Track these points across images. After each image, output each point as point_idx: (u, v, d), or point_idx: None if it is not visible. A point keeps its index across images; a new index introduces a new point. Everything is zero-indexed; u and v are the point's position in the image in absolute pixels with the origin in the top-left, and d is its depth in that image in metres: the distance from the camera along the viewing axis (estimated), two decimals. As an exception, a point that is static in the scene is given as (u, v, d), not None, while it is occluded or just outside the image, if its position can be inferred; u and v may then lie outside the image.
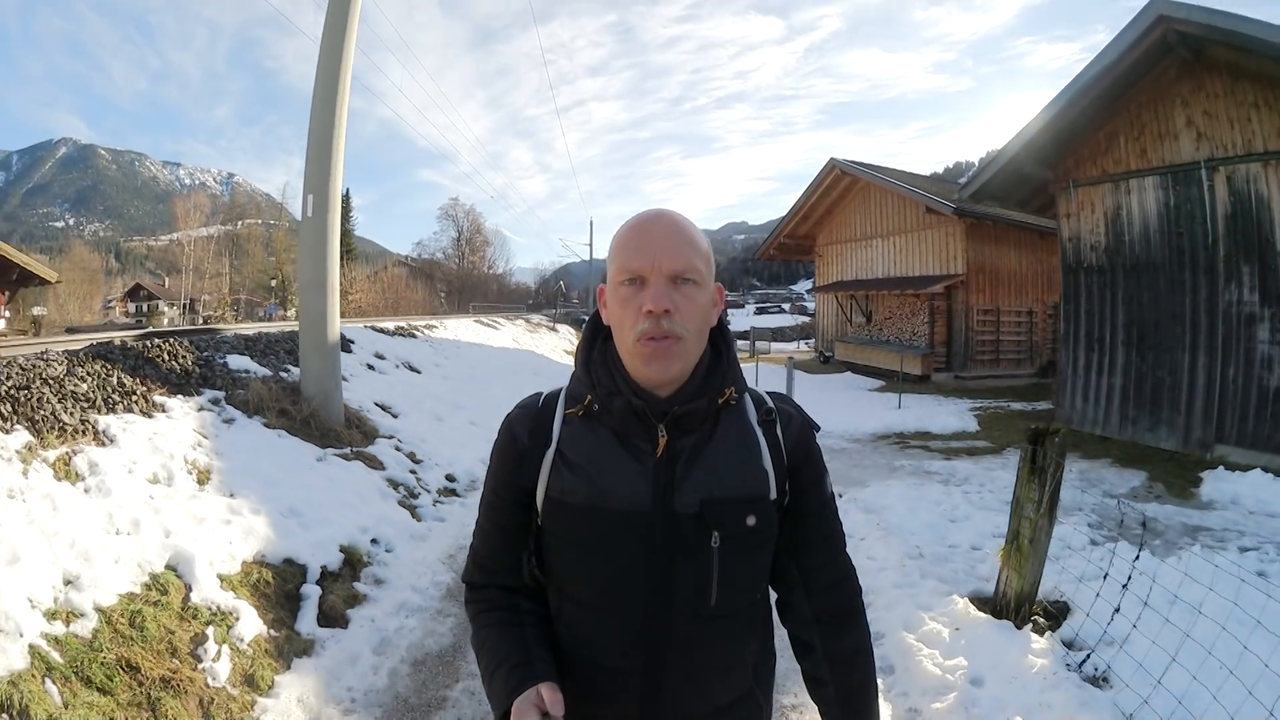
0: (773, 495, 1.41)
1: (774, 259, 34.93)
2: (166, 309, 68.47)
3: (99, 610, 3.70)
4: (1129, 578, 4.08)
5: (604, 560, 1.36)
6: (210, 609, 4.22)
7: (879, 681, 1.74)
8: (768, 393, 1.55)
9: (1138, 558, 4.17)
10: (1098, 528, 7.28)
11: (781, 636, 1.59)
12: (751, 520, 1.37)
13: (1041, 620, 4.53)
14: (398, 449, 8.44)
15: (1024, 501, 4.46)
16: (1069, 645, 4.26)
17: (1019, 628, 4.37)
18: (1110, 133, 12.86)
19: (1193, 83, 11.44)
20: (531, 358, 21.79)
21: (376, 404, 9.70)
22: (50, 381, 5.62)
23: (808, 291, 53.73)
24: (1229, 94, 11.02)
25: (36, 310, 38.13)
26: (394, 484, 7.41)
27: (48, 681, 3.15)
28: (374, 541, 6.02)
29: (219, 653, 3.95)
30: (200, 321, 50.91)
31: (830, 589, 1.52)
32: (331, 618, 4.89)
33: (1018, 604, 4.57)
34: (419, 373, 12.94)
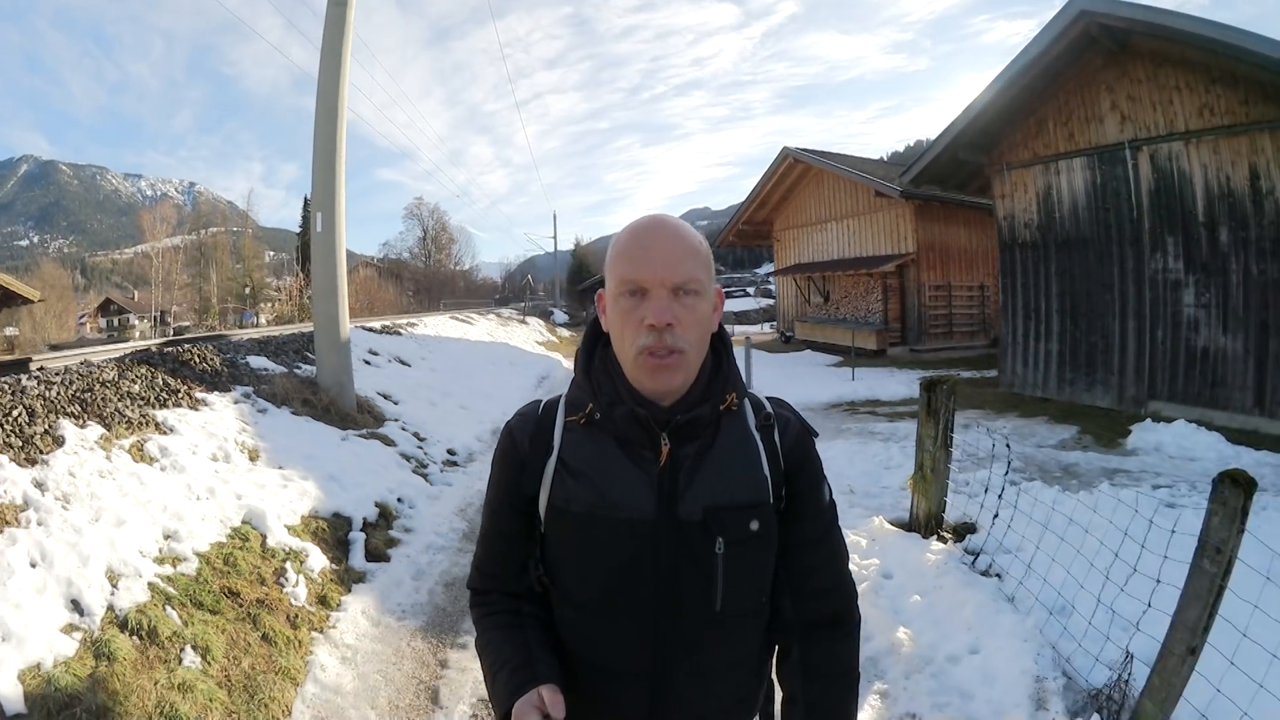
0: (772, 499, 1.43)
1: (733, 245, 35.80)
2: (137, 322, 68.43)
3: (197, 555, 4.69)
4: (1000, 490, 5.08)
5: (608, 568, 1.37)
6: (284, 550, 5.29)
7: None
8: (767, 398, 1.56)
9: (1007, 473, 5.20)
10: (1020, 471, 8.06)
11: None
12: (755, 525, 1.39)
13: (948, 535, 5.53)
14: (404, 430, 9.51)
15: (924, 438, 5.49)
16: (970, 553, 5.23)
17: (925, 538, 5.43)
18: (1040, 118, 13.78)
19: (1117, 69, 12.30)
20: (506, 349, 22.69)
21: (379, 394, 10.72)
22: (107, 384, 6.47)
23: (769, 275, 54.55)
24: (1152, 79, 11.85)
25: (9, 330, 37.84)
26: (406, 457, 8.53)
27: (168, 608, 4.10)
28: (399, 500, 7.20)
29: (297, 580, 5.05)
30: (171, 333, 50.90)
31: (818, 596, 1.52)
32: (376, 555, 6.08)
33: (926, 521, 5.59)
34: (409, 366, 13.87)
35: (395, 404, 10.61)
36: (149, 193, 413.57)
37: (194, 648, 3.90)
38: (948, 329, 23.44)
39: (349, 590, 5.43)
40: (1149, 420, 10.71)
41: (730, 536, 1.36)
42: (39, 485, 4.54)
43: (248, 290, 63.86)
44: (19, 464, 4.63)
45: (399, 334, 16.81)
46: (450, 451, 9.50)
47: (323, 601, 5.11)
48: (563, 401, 1.49)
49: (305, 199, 71.23)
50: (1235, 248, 10.95)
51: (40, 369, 7.10)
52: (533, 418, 1.49)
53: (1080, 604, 4.14)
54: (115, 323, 72.37)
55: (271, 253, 71.93)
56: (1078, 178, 13.24)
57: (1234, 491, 2.81)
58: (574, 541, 1.39)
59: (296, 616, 4.75)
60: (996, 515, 5.21)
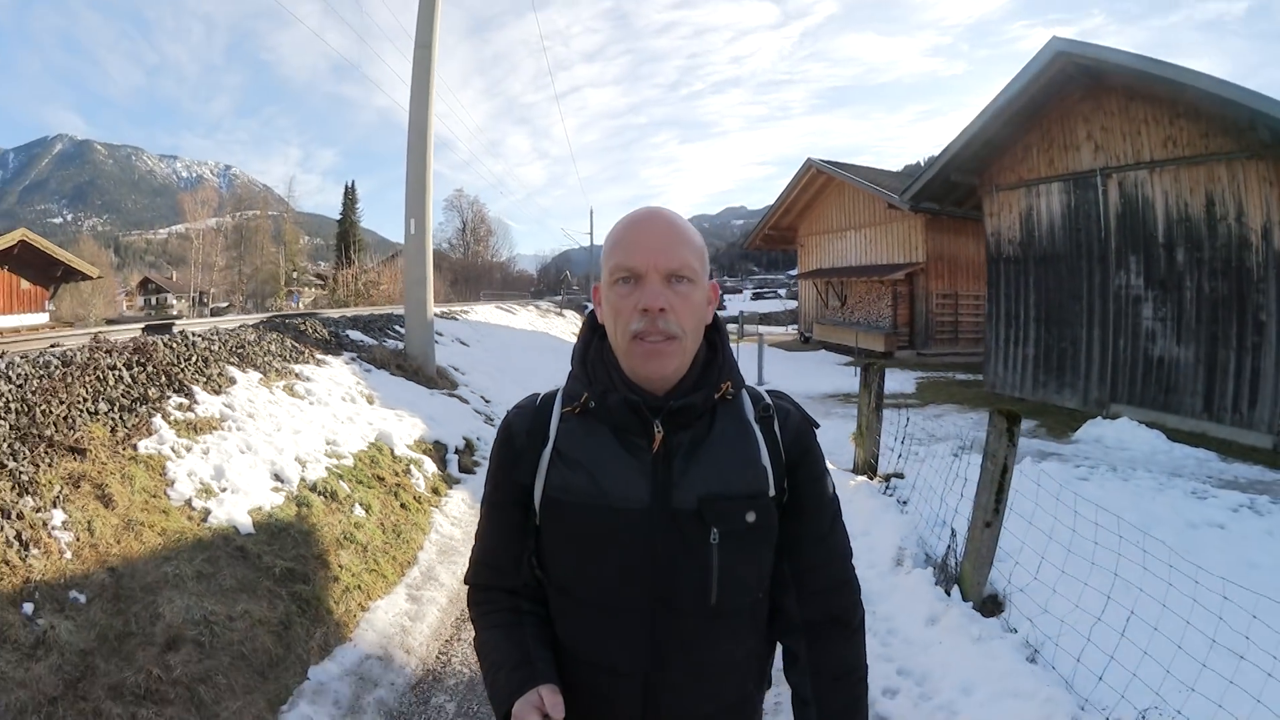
0: (771, 492, 1.42)
1: (760, 249, 37.71)
2: (175, 301, 69.21)
3: (352, 455, 6.86)
4: (899, 442, 6.94)
5: (603, 558, 1.37)
6: (406, 458, 7.52)
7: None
8: (766, 391, 1.55)
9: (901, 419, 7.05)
10: (967, 450, 9.45)
11: None
12: (751, 517, 1.38)
13: (877, 478, 7.34)
14: (472, 392, 11.74)
15: (862, 405, 7.44)
16: (885, 485, 7.06)
17: (855, 475, 7.34)
18: (1026, 145, 15.27)
19: (1093, 102, 13.66)
20: (547, 338, 24.70)
21: (449, 365, 12.85)
22: (251, 344, 8.50)
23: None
24: (1123, 112, 13.11)
25: (49, 306, 38.60)
26: (477, 411, 10.76)
27: (340, 481, 6.23)
28: (477, 438, 9.37)
29: (418, 477, 7.30)
30: (208, 313, 50.61)
31: (823, 593, 1.49)
32: (465, 469, 8.48)
33: (862, 467, 7.49)
34: (468, 346, 16.00)
35: (462, 374, 12.73)
36: (184, 174, 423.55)
37: (360, 505, 6.08)
38: (954, 335, 24.86)
39: (450, 487, 7.80)
40: (1100, 418, 12.06)
41: (725, 527, 1.36)
42: (229, 406, 6.56)
43: (295, 274, 65.42)
44: (209, 392, 6.62)
45: (455, 319, 19.04)
46: (509, 410, 11.93)
47: (434, 491, 7.37)
48: (560, 394, 1.50)
49: (346, 187, 73.33)
50: (1190, 267, 12.02)
51: (180, 332, 8.77)
52: (530, 409, 1.50)
53: (947, 515, 5.70)
54: (154, 301, 73.78)
55: (306, 237, 72.06)
56: (1055, 200, 14.64)
57: (999, 418, 4.54)
58: (568, 532, 1.40)
59: (419, 497, 6.99)
60: (900, 456, 7.19)
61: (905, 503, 6.56)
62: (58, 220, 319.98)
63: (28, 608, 3.47)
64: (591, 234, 67.46)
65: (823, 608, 1.49)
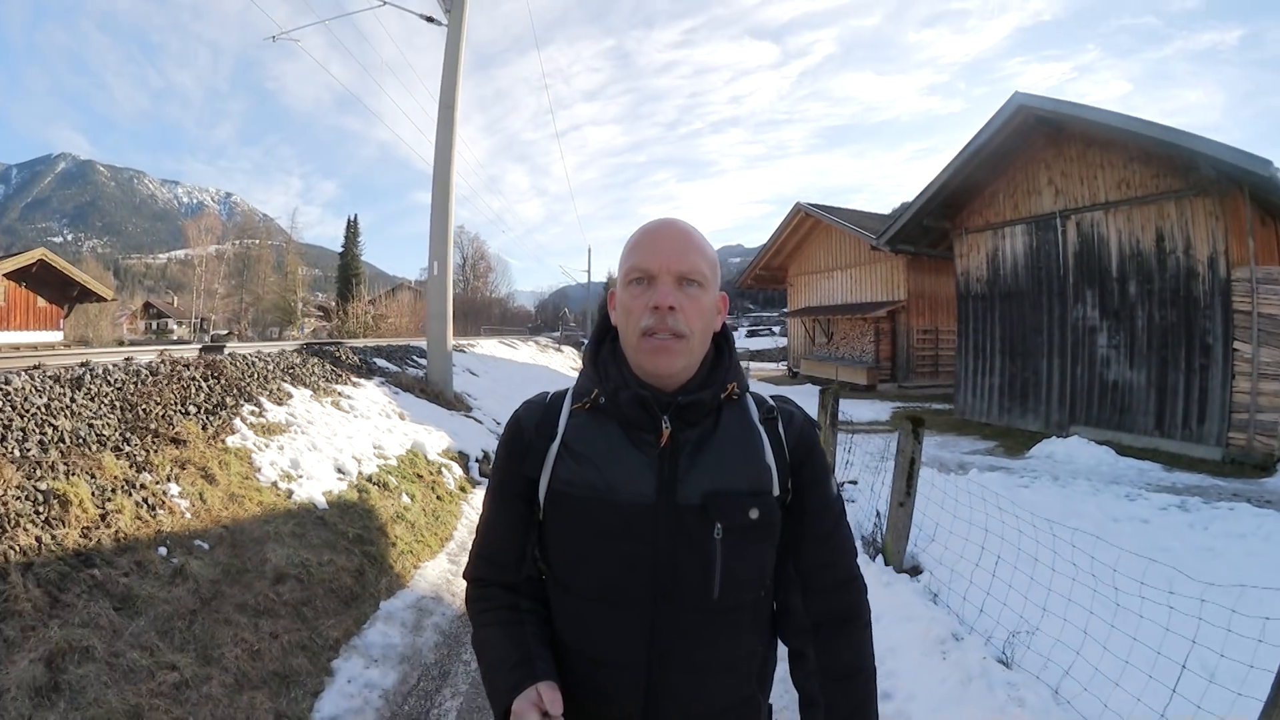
0: (775, 491, 1.45)
1: (751, 287, 38.73)
2: (176, 327, 69.41)
3: (395, 457, 8.14)
4: (841, 456, 8.14)
5: (607, 552, 1.40)
6: (438, 463, 8.81)
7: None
8: (769, 395, 1.58)
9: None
10: (926, 465, 10.15)
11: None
12: (754, 513, 1.40)
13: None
14: (484, 415, 13.02)
15: (821, 419, 8.52)
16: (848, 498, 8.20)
17: None
18: (993, 191, 16.54)
19: (1054, 150, 14.86)
20: (547, 371, 25.89)
21: (463, 391, 14.12)
22: (298, 365, 9.73)
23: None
24: (1081, 158, 14.31)
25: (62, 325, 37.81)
26: (490, 431, 12.04)
27: (389, 476, 7.49)
28: (494, 451, 10.36)
29: (448, 477, 8.56)
30: (209, 339, 49.80)
31: (829, 592, 1.53)
32: (485, 474, 9.51)
33: None
34: (477, 375, 17.27)
35: (475, 399, 13.98)
36: (185, 200, 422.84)
37: (405, 494, 7.37)
38: (934, 368, 25.93)
39: (473, 487, 9.08)
40: (1054, 437, 13.04)
41: (729, 522, 1.38)
42: (291, 415, 7.80)
43: (299, 304, 65.83)
44: (273, 403, 7.86)
45: (464, 352, 20.26)
46: (517, 433, 13.28)
47: (461, 489, 8.67)
48: (570, 392, 1.54)
49: (348, 220, 73.66)
50: (1141, 298, 13.07)
51: (230, 353, 9.71)
52: (540, 405, 1.54)
53: (882, 507, 6.70)
54: (154, 326, 72.40)
55: (305, 268, 72.12)
56: (1019, 241, 15.82)
57: (907, 423, 5.65)
58: (573, 525, 1.43)
59: (450, 493, 8.29)
60: (860, 469, 8.42)
61: (853, 501, 7.74)
62: (58, 240, 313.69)
63: (162, 550, 4.67)
64: (589, 271, 68.20)
65: (831, 605, 1.53)
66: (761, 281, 36.74)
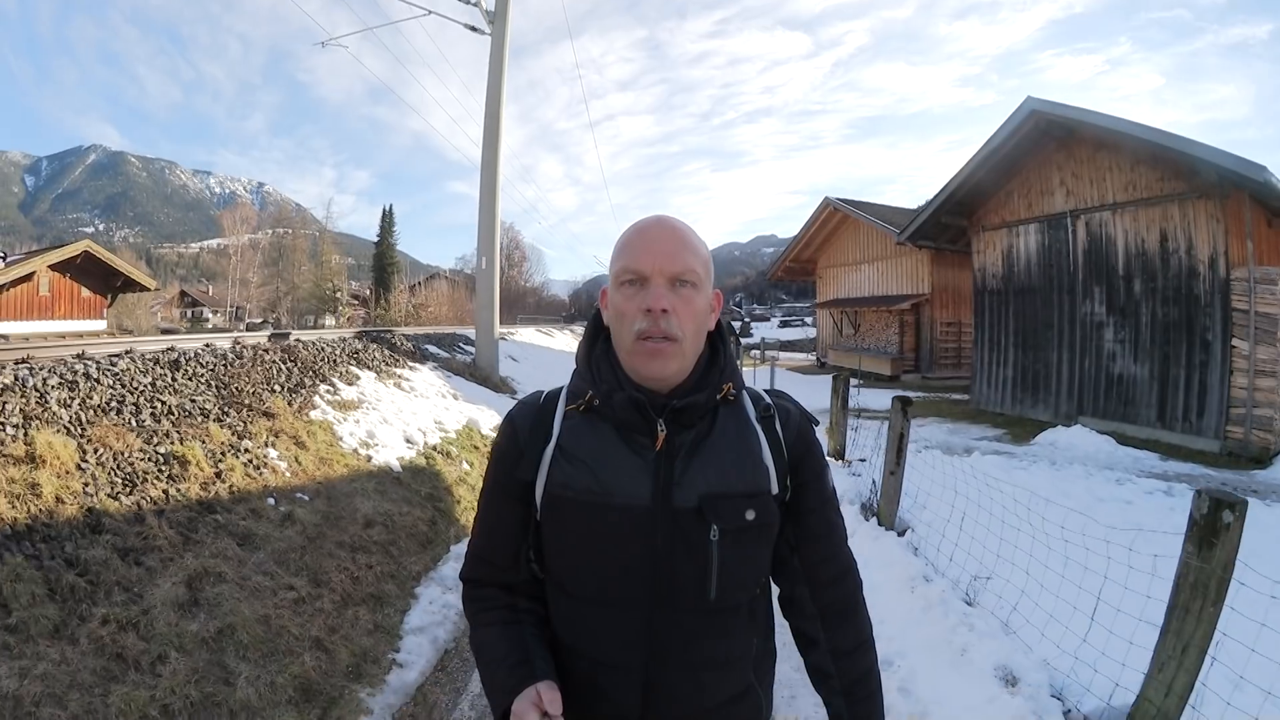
0: (774, 490, 1.45)
1: (781, 280, 39.66)
2: (211, 315, 70.02)
3: (454, 431, 9.22)
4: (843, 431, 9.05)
5: (604, 555, 1.40)
6: (490, 437, 9.67)
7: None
8: (766, 391, 1.59)
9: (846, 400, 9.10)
10: (932, 448, 11.50)
11: (782, 633, 1.63)
12: (750, 514, 1.41)
13: (843, 461, 9.36)
14: None
15: (834, 404, 9.51)
16: (848, 466, 9.11)
17: (829, 458, 9.30)
18: (1008, 191, 17.03)
19: (1066, 152, 15.30)
20: (580, 359, 26.88)
21: (507, 376, 15.15)
22: (360, 350, 10.80)
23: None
24: (1091, 160, 14.68)
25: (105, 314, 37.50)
26: None
27: (450, 445, 8.57)
28: None
29: None
30: (244, 328, 47.41)
31: (833, 584, 1.57)
32: None
33: (833, 452, 9.53)
34: (517, 361, 18.42)
35: (517, 383, 15.01)
36: (217, 190, 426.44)
37: (465, 462, 8.47)
38: (957, 360, 26.21)
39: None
40: (1059, 426, 13.59)
41: (725, 524, 1.38)
42: (361, 394, 8.89)
43: (336, 293, 65.27)
44: (345, 383, 8.97)
45: (504, 340, 21.27)
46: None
47: None
48: (564, 392, 1.52)
49: (384, 210, 73.98)
50: (1145, 295, 13.40)
51: (296, 340, 10.73)
52: (534, 406, 1.52)
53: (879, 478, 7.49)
54: (189, 314, 72.95)
55: (338, 257, 71.89)
56: (1032, 240, 16.31)
57: (897, 402, 6.56)
58: (569, 528, 1.42)
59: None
60: (874, 450, 9.17)
61: (859, 475, 8.53)
62: (89, 230, 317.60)
63: (271, 500, 5.78)
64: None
65: (835, 596, 1.56)
66: (791, 273, 37.25)
